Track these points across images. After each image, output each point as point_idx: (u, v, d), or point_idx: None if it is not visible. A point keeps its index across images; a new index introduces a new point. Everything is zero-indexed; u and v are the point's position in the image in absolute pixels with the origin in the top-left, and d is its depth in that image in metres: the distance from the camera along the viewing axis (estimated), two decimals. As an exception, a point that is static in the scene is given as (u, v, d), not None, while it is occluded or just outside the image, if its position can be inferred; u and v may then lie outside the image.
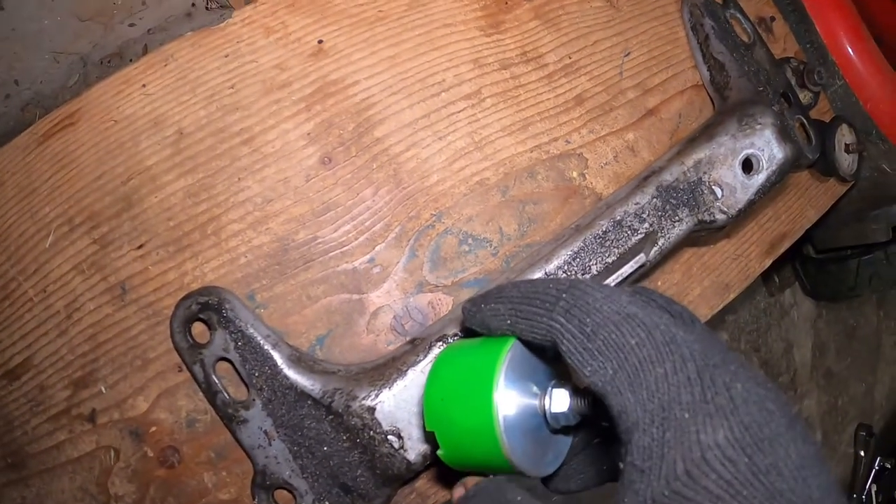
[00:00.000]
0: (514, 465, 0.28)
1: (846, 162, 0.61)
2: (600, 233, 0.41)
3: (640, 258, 0.41)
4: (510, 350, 0.29)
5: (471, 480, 0.31)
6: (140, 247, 0.43)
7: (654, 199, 0.43)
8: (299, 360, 0.41)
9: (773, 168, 0.47)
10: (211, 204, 0.43)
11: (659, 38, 0.56)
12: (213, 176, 0.44)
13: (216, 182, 0.44)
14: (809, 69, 0.61)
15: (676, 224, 0.43)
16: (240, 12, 0.47)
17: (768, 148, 0.47)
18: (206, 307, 0.41)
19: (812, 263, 0.93)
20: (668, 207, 0.43)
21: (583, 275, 0.40)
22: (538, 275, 0.39)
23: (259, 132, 0.44)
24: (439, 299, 0.43)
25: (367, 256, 0.43)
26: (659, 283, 0.50)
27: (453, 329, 0.40)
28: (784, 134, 0.48)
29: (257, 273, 0.43)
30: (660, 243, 0.42)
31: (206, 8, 0.63)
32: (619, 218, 0.42)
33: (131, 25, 0.61)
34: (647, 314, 0.24)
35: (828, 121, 0.62)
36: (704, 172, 0.44)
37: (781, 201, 0.59)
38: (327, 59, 0.46)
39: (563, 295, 0.26)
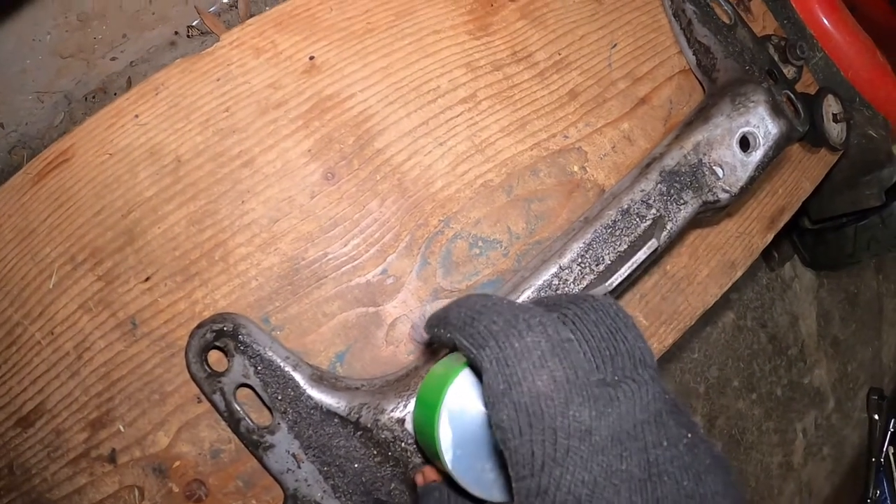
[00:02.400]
0: (449, 472, 0.28)
1: (835, 131, 0.63)
2: (609, 222, 0.41)
3: (653, 244, 0.41)
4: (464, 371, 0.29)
5: (428, 471, 0.32)
6: (147, 279, 0.43)
7: (659, 185, 0.43)
8: (321, 378, 0.40)
9: (770, 144, 0.48)
10: (216, 230, 0.43)
11: (643, 27, 0.56)
12: (216, 201, 0.43)
13: (220, 207, 0.43)
14: (791, 44, 0.62)
15: (682, 207, 0.43)
16: (227, 35, 0.47)
17: (763, 125, 0.47)
18: (222, 334, 0.40)
19: (809, 234, 0.94)
20: (672, 191, 0.43)
21: (597, 266, 0.40)
22: (553, 270, 0.40)
23: (259, 153, 0.44)
24: (455, 304, 0.43)
25: (380, 268, 0.43)
26: (668, 267, 0.50)
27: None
28: (776, 109, 0.49)
29: (270, 295, 0.42)
30: (668, 227, 0.42)
31: (188, 36, 0.63)
32: (626, 206, 0.42)
33: (113, 59, 0.60)
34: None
35: (813, 93, 0.63)
36: (704, 154, 0.45)
37: (777, 176, 0.60)
38: (321, 75, 0.46)
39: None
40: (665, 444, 0.24)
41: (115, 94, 0.60)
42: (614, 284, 0.39)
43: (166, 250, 0.43)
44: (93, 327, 0.42)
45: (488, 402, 0.24)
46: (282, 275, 0.42)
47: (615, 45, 0.54)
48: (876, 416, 1.10)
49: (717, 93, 0.52)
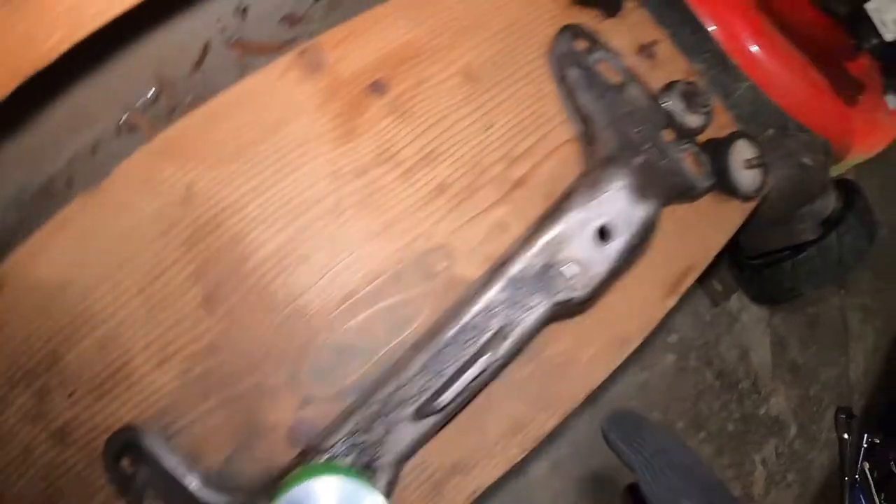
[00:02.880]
0: None
1: (747, 179, 0.60)
2: (450, 337, 0.44)
3: (489, 356, 0.43)
4: (310, 481, 0.34)
5: None
6: (70, 395, 0.50)
7: (502, 293, 0.45)
8: (209, 480, 0.47)
9: (632, 231, 0.48)
10: (120, 352, 0.49)
11: (525, 98, 0.56)
12: (117, 328, 0.49)
13: (121, 332, 0.49)
14: (692, 91, 0.59)
15: (530, 311, 0.45)
16: (119, 167, 0.52)
17: (623, 212, 0.47)
18: (128, 444, 0.48)
19: (748, 269, 0.90)
20: (518, 297, 0.45)
21: (437, 380, 0.44)
22: (390, 388, 0.43)
23: (149, 282, 0.49)
24: (323, 410, 0.48)
25: (256, 380, 0.48)
26: (546, 353, 0.52)
27: (334, 439, 0.45)
28: (641, 192, 0.48)
29: (167, 407, 0.49)
30: (513, 336, 0.45)
31: (117, 134, 0.68)
32: (466, 319, 0.44)
33: (52, 160, 0.66)
34: None
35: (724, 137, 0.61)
36: (555, 253, 0.46)
37: (679, 234, 0.59)
38: (197, 202, 0.50)
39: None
40: None
41: (58, 194, 0.66)
42: (446, 401, 0.43)
43: (83, 370, 0.50)
44: (31, 437, 0.51)
45: None
46: (175, 390, 0.49)
47: (490, 126, 0.54)
48: (846, 435, 1.07)
49: (588, 171, 0.52)
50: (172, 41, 0.65)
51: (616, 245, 0.47)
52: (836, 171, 0.76)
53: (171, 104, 0.68)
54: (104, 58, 0.62)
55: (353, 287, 0.49)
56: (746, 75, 0.66)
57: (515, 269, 0.45)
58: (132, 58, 0.64)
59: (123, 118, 0.67)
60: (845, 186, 0.79)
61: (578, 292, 0.46)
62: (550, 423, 0.51)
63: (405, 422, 0.44)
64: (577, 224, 0.46)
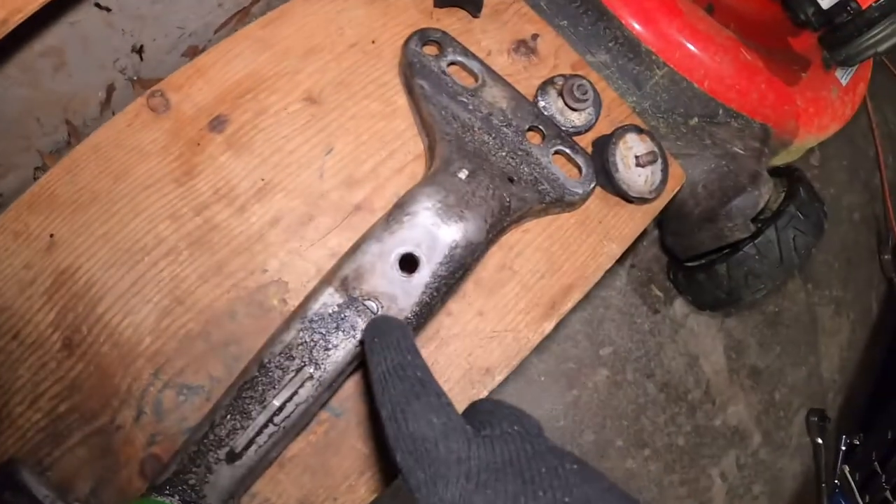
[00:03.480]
0: None
1: (639, 178, 0.53)
2: (249, 379, 0.43)
3: (294, 398, 0.42)
4: None
5: None
6: (-27, 432, 0.55)
7: (301, 334, 0.43)
8: (73, 513, 0.50)
9: (439, 258, 0.44)
10: (1, 392, 0.54)
11: (370, 116, 0.53)
12: None
13: (1, 374, 0.54)
14: (568, 86, 0.53)
15: (332, 352, 0.43)
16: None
17: (426, 239, 0.44)
18: (9, 476, 0.52)
19: (682, 273, 0.78)
20: (316, 338, 0.43)
21: (246, 420, 0.43)
22: (217, 418, 0.43)
23: (21, 327, 0.53)
24: (167, 447, 0.49)
25: (110, 418, 0.51)
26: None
27: (164, 477, 0.46)
28: (448, 214, 0.44)
29: (40, 443, 0.52)
30: (316, 376, 0.43)
31: (34, 178, 0.74)
32: (265, 361, 0.43)
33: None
34: None
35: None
36: (353, 288, 0.43)
37: (559, 248, 0.53)
38: (58, 251, 0.53)
39: None
40: (543, 470, 0.27)
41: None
42: (257, 443, 0.42)
43: (-21, 409, 0.55)
44: (-51, 469, 0.57)
45: None
46: (44, 427, 0.52)
47: (330, 150, 0.52)
48: (819, 440, 0.90)
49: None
50: (77, 86, 0.69)
51: (422, 275, 0.43)
52: (790, 156, 0.65)
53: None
54: (15, 107, 0.68)
55: (190, 326, 0.49)
56: (663, 61, 0.58)
57: (312, 308, 0.43)
58: (42, 105, 0.69)
59: (40, 164, 0.72)
60: (786, 174, 0.67)
61: (391, 326, 0.44)
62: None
63: (221, 463, 0.44)
64: (376, 255, 0.43)
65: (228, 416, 0.43)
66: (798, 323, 0.96)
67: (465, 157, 0.47)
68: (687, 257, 0.72)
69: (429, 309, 0.43)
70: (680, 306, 0.86)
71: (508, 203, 0.47)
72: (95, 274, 0.52)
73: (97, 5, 0.64)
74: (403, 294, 0.43)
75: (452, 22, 0.57)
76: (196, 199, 0.51)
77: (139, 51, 0.68)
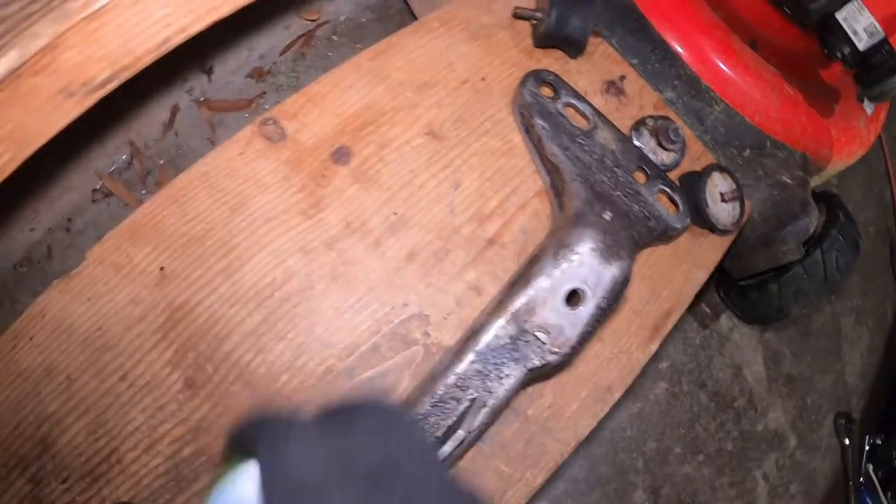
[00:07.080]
0: None
1: (724, 213, 0.60)
2: (426, 410, 0.45)
3: (465, 427, 0.44)
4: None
5: None
6: (64, 481, 0.51)
7: (474, 365, 0.45)
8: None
9: (602, 293, 0.48)
10: (109, 438, 0.50)
11: (491, 153, 0.56)
12: (104, 413, 0.50)
13: (108, 418, 0.50)
14: (663, 128, 0.59)
15: (504, 380, 0.46)
16: (91, 252, 0.52)
17: (592, 275, 0.47)
18: (125, 526, 0.49)
19: (735, 291, 0.90)
20: (489, 368, 0.45)
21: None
22: None
23: (131, 367, 0.50)
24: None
25: (243, 458, 0.49)
26: (529, 412, 0.52)
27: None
28: (609, 253, 0.48)
29: (159, 489, 0.50)
30: (488, 405, 0.45)
31: (93, 201, 0.69)
32: (441, 392, 0.45)
33: (31, 230, 0.67)
34: None
35: (700, 170, 0.60)
36: (525, 321, 0.46)
37: (658, 277, 0.59)
38: (171, 285, 0.50)
39: None
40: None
41: (39, 263, 0.67)
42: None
43: (74, 457, 0.51)
44: (32, 522, 0.52)
45: None
46: (166, 472, 0.50)
47: (458, 185, 0.54)
48: (847, 441, 1.08)
49: (557, 230, 0.51)
50: (142, 105, 0.64)
51: (587, 308, 0.47)
52: (818, 181, 0.75)
53: (144, 168, 0.67)
54: (77, 127, 0.62)
55: (331, 363, 0.50)
56: (720, 97, 0.65)
57: (485, 340, 0.45)
58: (104, 124, 0.64)
59: (98, 185, 0.67)
60: (826, 200, 0.78)
61: (552, 357, 0.47)
62: (538, 480, 0.52)
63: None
64: (546, 291, 0.46)
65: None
66: (824, 332, 1.10)
67: (601, 199, 0.51)
68: (740, 277, 0.82)
69: (589, 337, 0.47)
70: (725, 321, 0.97)
71: (637, 240, 0.52)
72: (219, 310, 0.50)
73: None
74: (569, 325, 0.47)
75: (551, 62, 0.61)
76: (326, 233, 0.51)
77: (208, 71, 0.64)
